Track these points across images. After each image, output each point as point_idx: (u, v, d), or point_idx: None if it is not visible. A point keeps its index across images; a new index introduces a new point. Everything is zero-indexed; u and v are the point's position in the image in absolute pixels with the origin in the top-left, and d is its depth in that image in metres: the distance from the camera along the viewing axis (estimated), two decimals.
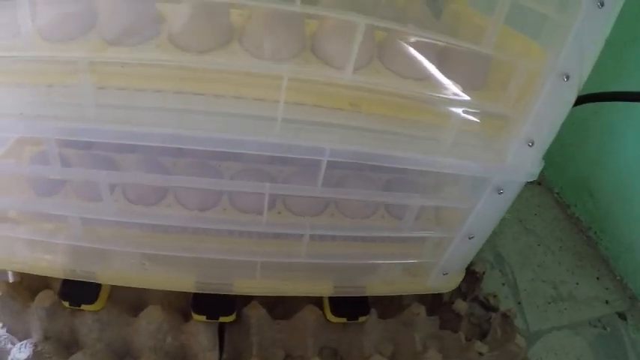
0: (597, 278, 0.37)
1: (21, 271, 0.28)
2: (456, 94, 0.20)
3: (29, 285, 0.29)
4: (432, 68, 0.20)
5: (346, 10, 0.20)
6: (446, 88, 0.20)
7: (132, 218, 0.23)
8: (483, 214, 0.23)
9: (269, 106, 0.18)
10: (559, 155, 0.47)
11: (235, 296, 0.25)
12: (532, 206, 0.43)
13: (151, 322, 0.25)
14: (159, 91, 0.20)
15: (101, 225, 0.24)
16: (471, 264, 0.32)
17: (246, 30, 0.20)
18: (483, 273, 0.32)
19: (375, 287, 0.26)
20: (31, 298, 0.28)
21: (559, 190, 0.47)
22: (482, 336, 0.29)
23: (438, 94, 0.19)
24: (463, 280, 0.30)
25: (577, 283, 0.36)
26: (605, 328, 0.33)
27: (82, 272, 0.26)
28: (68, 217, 0.23)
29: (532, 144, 0.21)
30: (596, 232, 0.42)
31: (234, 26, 0.21)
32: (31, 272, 0.27)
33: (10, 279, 0.30)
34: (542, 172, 0.23)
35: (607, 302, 0.35)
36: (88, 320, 0.26)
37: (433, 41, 0.19)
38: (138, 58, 0.19)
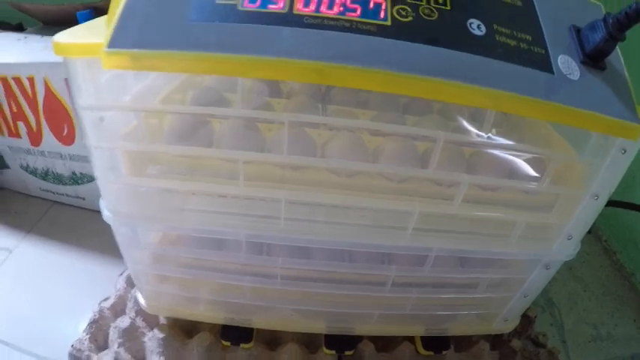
0: (634, 320, 0.52)
1: (184, 318, 0.44)
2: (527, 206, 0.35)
3: (182, 325, 0.45)
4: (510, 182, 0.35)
5: None
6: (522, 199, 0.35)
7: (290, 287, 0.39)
8: (534, 281, 0.38)
9: (403, 218, 0.33)
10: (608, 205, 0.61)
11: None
12: (581, 254, 0.57)
13: (290, 356, 0.41)
14: (322, 205, 0.35)
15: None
16: (526, 310, 0.47)
17: (379, 158, 0.36)
18: (535, 317, 0.48)
19: (455, 329, 0.42)
20: (186, 336, 0.44)
21: (607, 238, 0.61)
22: None
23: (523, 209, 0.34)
24: (519, 322, 0.45)
25: (616, 325, 0.51)
26: None
27: (240, 319, 0.42)
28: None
29: (571, 238, 0.36)
30: (638, 279, 0.56)
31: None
32: (193, 319, 0.43)
33: (164, 321, 0.46)
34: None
35: None
36: (241, 355, 0.42)
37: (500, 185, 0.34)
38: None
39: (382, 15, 0.24)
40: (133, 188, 0.36)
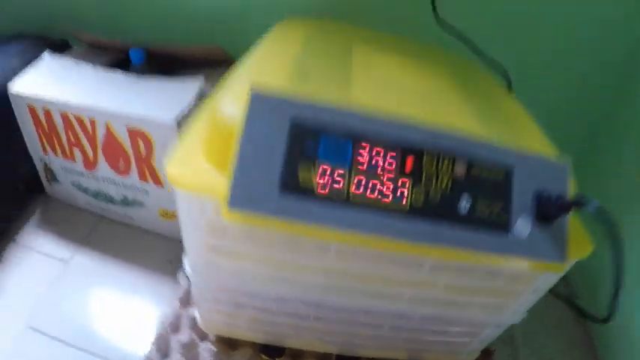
0: None
1: (231, 337, 0.61)
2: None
3: (225, 339, 0.62)
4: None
5: None
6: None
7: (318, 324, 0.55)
8: (488, 334, 0.56)
9: (399, 295, 0.50)
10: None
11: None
12: (548, 296, 0.70)
13: None
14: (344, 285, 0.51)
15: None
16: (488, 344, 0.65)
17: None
18: (494, 350, 0.66)
19: (429, 357, 0.60)
20: (229, 348, 0.61)
21: (574, 284, 0.77)
22: None
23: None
24: (480, 354, 0.63)
25: None
26: None
27: (276, 339, 0.59)
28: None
29: (516, 312, 0.53)
30: (591, 324, 0.71)
31: None
32: (238, 338, 0.60)
33: (212, 337, 0.63)
34: None
35: None
36: None
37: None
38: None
39: (404, 202, 0.39)
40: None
